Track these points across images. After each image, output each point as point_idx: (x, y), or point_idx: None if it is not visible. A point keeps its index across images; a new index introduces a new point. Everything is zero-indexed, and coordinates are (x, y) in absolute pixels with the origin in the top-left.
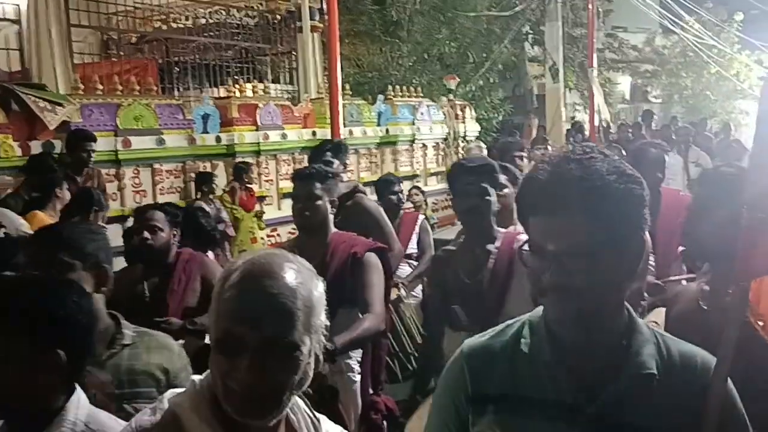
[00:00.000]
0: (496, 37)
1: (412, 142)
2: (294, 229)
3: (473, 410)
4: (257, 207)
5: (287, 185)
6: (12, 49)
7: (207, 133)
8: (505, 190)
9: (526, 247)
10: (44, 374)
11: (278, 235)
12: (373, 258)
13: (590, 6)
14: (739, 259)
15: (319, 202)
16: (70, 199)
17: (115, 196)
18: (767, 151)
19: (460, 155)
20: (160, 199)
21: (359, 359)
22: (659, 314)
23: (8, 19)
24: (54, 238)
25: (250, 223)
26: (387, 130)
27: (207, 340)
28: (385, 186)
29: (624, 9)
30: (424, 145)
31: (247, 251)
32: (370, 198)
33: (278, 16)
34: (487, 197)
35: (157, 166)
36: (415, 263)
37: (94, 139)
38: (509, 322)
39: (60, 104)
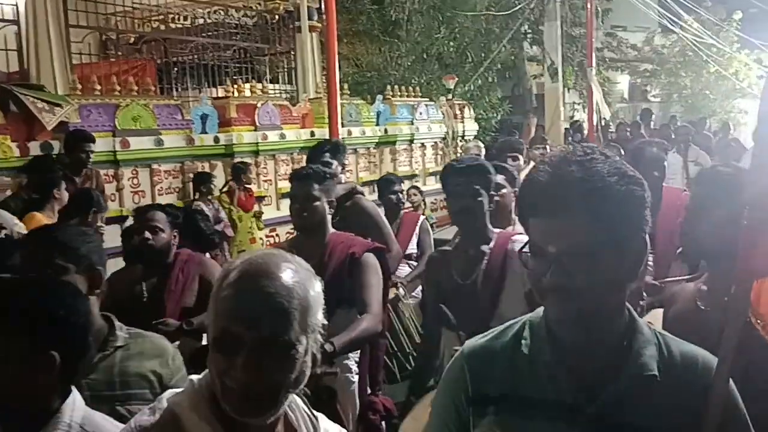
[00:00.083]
0: (495, 37)
1: (411, 141)
2: (293, 229)
3: (473, 411)
4: (256, 207)
5: (286, 185)
6: (10, 49)
7: (205, 133)
8: (503, 191)
9: (526, 248)
10: (41, 374)
11: (277, 235)
12: (371, 258)
13: (589, 5)
14: (740, 259)
15: (317, 203)
16: (69, 200)
17: (114, 197)
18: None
19: (459, 155)
20: (159, 200)
21: (357, 360)
22: (655, 315)
23: (6, 20)
24: (48, 241)
25: (248, 223)
26: (386, 130)
27: (204, 341)
28: (385, 185)
29: (623, 8)
30: (423, 145)
31: (246, 251)
32: (369, 198)
33: (277, 16)
34: (479, 198)
35: (155, 166)
36: (415, 264)
37: (93, 140)
38: (510, 322)
39: (58, 105)
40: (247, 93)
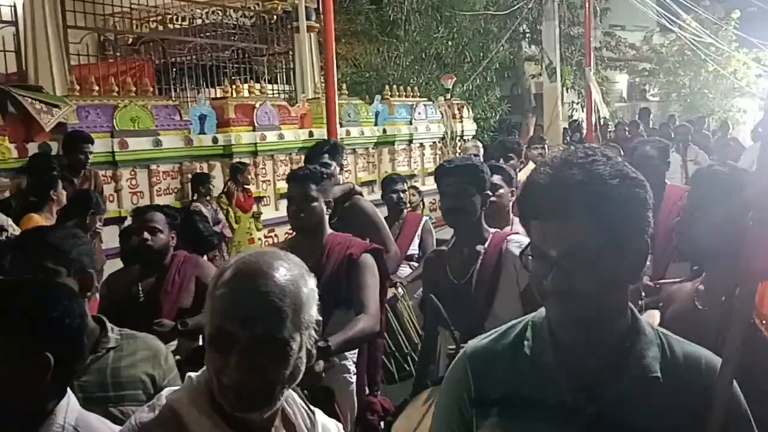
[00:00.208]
0: (494, 37)
1: (410, 141)
2: (291, 229)
3: (476, 412)
4: (254, 208)
5: (284, 186)
6: (8, 50)
7: (204, 133)
8: (500, 191)
9: (528, 251)
10: (35, 375)
11: (276, 235)
12: (368, 259)
13: (587, 4)
14: (743, 260)
15: (315, 204)
16: (67, 201)
17: (112, 198)
18: None
19: (457, 155)
20: (157, 201)
21: (355, 360)
22: (651, 316)
23: (4, 21)
24: (39, 244)
25: (247, 223)
26: (384, 130)
27: (200, 342)
28: (387, 184)
29: (621, 7)
30: (422, 145)
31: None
32: (367, 199)
33: (275, 17)
34: (469, 198)
35: (154, 167)
36: (417, 264)
37: (91, 141)
38: (512, 323)
39: (56, 106)
40: (246, 93)
